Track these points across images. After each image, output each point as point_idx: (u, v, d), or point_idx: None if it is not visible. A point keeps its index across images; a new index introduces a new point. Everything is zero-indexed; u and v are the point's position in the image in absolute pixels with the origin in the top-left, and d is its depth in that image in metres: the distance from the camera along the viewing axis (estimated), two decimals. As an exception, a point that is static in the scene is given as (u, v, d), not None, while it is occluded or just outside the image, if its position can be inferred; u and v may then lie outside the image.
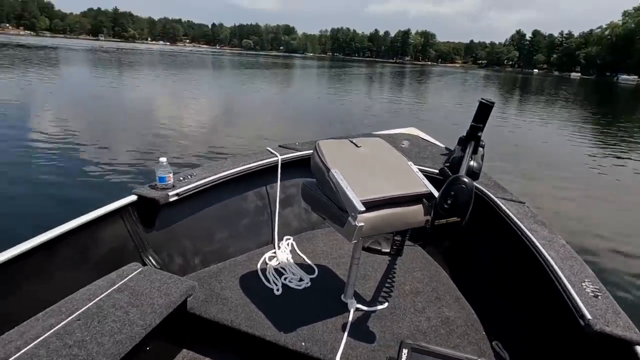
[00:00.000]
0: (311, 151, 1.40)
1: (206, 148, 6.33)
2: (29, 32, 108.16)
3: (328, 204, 1.29)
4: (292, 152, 2.24)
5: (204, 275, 1.77)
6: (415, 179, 1.36)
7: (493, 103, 1.95)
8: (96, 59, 29.61)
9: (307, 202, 1.45)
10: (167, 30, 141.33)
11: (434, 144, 2.64)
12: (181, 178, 1.82)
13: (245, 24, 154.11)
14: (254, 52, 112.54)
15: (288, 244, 2.09)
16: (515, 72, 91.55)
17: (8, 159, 5.07)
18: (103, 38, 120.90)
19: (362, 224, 1.16)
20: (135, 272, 1.47)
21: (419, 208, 1.31)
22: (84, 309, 1.25)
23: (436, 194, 1.30)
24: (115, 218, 1.61)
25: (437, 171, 2.00)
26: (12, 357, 1.04)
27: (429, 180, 1.39)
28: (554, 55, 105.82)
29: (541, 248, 1.45)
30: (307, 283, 1.81)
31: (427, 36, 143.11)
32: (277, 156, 2.16)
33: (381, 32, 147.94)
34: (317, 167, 1.32)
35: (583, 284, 1.25)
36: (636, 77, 71.01)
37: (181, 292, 1.38)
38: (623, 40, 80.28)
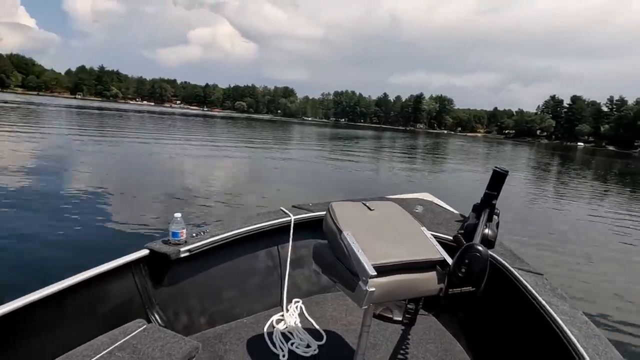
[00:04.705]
0: (324, 212, 1.54)
1: (220, 206, 7.36)
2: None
3: (339, 267, 1.41)
4: (305, 213, 2.57)
5: (208, 336, 1.96)
6: (428, 245, 1.48)
7: (507, 171, 2.24)
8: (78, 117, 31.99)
9: (318, 264, 1.60)
10: (155, 90, 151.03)
11: (448, 210, 2.99)
12: (194, 234, 2.08)
13: (240, 85, 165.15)
14: (247, 115, 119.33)
15: (297, 307, 2.34)
16: (552, 145, 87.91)
17: (28, 210, 5.97)
18: (80, 96, 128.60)
19: (373, 289, 1.26)
20: (139, 330, 1.64)
21: (432, 275, 1.43)
22: None
23: (450, 261, 1.43)
24: (125, 272, 1.84)
25: (451, 238, 2.20)
26: None
27: (442, 247, 1.51)
28: (606, 126, 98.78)
29: (562, 324, 1.56)
30: (315, 350, 1.95)
31: (443, 101, 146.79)
32: (289, 216, 2.48)
33: (391, 97, 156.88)
34: (329, 228, 1.47)
35: None
36: None
37: (183, 353, 1.51)
38: None
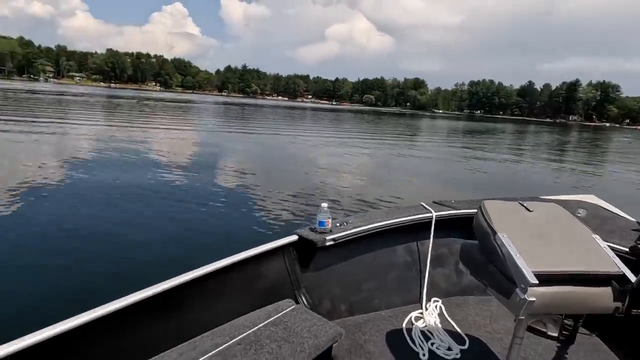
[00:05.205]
0: (468, 210, 1.56)
1: (361, 198, 7.81)
2: (160, 88, 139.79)
3: (492, 270, 1.35)
4: (447, 210, 2.51)
5: (349, 323, 2.06)
6: (603, 256, 1.34)
7: None
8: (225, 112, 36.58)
9: (466, 265, 1.56)
10: (289, 86, 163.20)
11: (620, 216, 2.62)
12: (337, 224, 2.20)
13: (369, 78, 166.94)
14: (374, 109, 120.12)
15: (436, 307, 2.31)
16: None
17: (194, 197, 7.10)
18: (226, 93, 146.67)
19: (534, 299, 1.18)
20: (289, 309, 1.80)
21: (606, 291, 1.29)
22: (243, 335, 1.58)
23: (631, 277, 1.29)
24: (277, 255, 2.04)
25: (627, 249, 2.01)
26: None
27: None
28: None
29: None
30: (457, 354, 1.93)
31: (606, 88, 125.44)
32: (431, 212, 2.45)
33: (538, 86, 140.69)
34: (481, 228, 1.41)
35: None
36: None
37: (329, 337, 1.62)
38: None
